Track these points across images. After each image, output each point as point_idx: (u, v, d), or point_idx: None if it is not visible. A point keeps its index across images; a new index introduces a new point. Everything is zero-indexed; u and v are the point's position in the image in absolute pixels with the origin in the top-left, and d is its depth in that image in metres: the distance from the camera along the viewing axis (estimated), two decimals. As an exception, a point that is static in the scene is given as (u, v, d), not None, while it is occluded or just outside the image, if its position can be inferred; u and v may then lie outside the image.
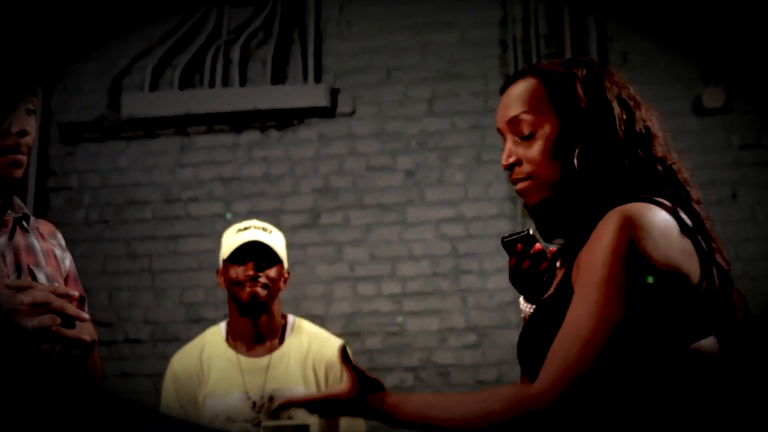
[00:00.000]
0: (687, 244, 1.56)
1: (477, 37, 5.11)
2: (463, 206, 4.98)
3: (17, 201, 2.06)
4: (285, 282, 3.15)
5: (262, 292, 3.06)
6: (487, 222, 4.95)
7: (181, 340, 5.18)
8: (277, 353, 3.11)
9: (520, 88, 1.70)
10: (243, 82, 5.24)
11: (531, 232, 1.86)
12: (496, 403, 1.56)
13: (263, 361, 3.10)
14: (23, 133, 1.94)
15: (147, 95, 5.20)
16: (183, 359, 3.18)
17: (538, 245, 1.86)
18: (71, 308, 1.77)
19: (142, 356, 5.08)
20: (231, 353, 3.12)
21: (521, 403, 1.52)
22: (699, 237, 1.58)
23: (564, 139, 1.65)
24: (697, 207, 1.64)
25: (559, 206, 1.67)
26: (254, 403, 3.04)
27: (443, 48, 5.13)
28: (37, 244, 2.06)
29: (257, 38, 5.30)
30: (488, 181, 4.96)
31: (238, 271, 3.07)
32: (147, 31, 5.33)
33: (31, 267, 2.00)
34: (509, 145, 1.70)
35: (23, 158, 1.96)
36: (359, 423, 3.12)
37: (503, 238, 1.88)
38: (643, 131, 1.66)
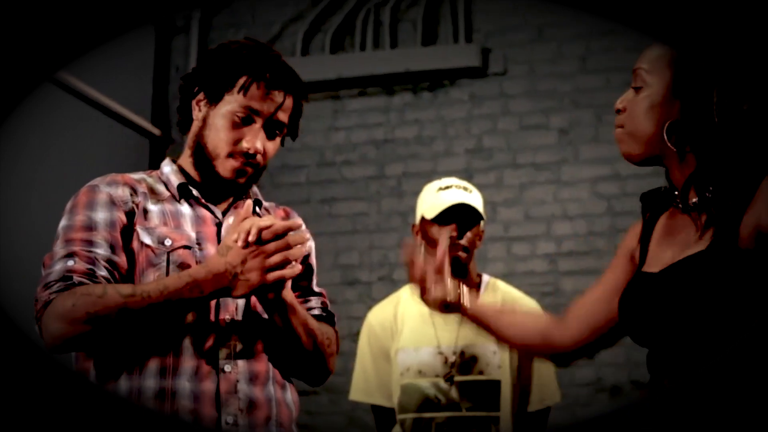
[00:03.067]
0: None
1: (630, -9, 5.01)
2: (619, 164, 4.87)
3: (254, 189, 2.21)
4: (480, 239, 3.11)
5: (463, 254, 3.02)
6: (644, 180, 4.83)
7: (336, 303, 5.23)
8: None
9: (656, 48, 1.84)
10: (394, 44, 5.25)
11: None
12: None
13: (456, 316, 3.07)
14: (253, 153, 2.07)
15: (299, 60, 5.23)
16: (379, 313, 3.19)
17: None
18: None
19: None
20: (424, 308, 3.05)
21: None
22: None
23: (666, 104, 1.77)
24: None
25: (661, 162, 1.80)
26: (446, 359, 3.02)
27: (595, 3, 5.03)
28: None
29: (407, 0, 5.31)
30: (645, 138, 4.86)
31: (441, 232, 3.01)
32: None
33: None
34: (627, 92, 1.83)
35: (248, 170, 2.09)
36: (551, 381, 3.10)
37: (643, 194, 2.01)
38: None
